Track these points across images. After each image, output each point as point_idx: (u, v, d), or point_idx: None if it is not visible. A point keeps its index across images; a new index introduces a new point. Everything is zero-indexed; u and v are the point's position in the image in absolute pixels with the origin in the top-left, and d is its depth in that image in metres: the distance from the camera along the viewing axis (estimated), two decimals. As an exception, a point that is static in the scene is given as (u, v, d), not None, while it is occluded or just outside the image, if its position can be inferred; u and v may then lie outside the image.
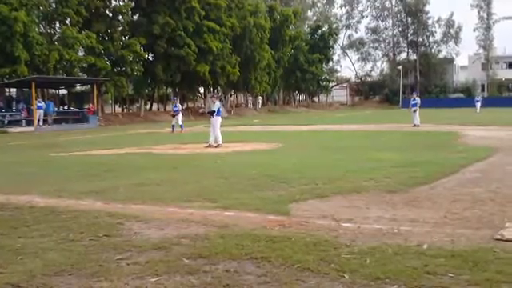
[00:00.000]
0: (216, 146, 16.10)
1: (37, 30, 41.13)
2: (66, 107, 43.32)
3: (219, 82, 54.80)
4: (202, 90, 59.04)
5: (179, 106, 29.60)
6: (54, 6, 43.39)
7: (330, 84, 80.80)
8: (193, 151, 15.33)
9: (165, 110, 55.04)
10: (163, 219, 6.04)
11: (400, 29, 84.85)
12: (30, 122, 36.04)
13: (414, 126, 25.45)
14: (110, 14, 47.95)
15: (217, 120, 16.58)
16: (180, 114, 27.79)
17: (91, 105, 41.55)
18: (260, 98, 66.28)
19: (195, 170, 10.82)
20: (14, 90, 43.74)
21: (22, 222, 6.00)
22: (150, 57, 52.08)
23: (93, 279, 4.06)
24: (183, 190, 8.09)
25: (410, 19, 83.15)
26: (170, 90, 57.29)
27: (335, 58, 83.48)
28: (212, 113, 16.82)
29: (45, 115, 37.61)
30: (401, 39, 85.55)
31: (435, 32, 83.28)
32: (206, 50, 50.44)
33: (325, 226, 5.59)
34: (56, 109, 40.77)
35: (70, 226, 5.74)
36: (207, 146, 16.03)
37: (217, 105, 17.17)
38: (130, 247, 4.92)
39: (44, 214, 6.42)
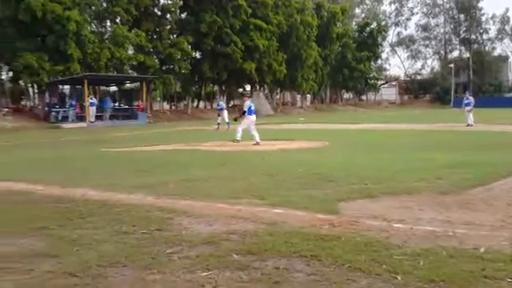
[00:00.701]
0: (233, 141, 16.41)
1: (89, 28, 42.06)
2: (116, 104, 44.13)
3: (265, 80, 54.86)
4: (248, 87, 59.17)
5: (223, 105, 29.97)
6: (104, 5, 44.32)
7: (379, 82, 79.63)
8: (239, 148, 15.40)
9: (211, 107, 55.45)
10: (212, 215, 6.11)
11: (452, 26, 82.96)
12: (82, 118, 36.95)
13: (468, 125, 24.87)
14: (159, 13, 48.68)
15: (248, 118, 16.86)
16: (225, 112, 28.04)
17: (140, 102, 42.27)
18: (308, 95, 66.05)
19: (242, 166, 10.86)
20: (67, 87, 44.84)
21: (77, 214, 6.19)
22: (198, 55, 52.56)
23: (146, 271, 4.15)
24: (231, 186, 8.15)
25: (462, 16, 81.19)
26: (216, 87, 57.66)
27: (384, 55, 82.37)
28: (243, 112, 17.17)
29: (101, 111, 38.50)
30: (453, 36, 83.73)
31: (489, 29, 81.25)
32: (252, 47, 50.57)
33: (375, 226, 5.51)
34: (112, 105, 41.66)
35: (123, 219, 5.88)
36: (255, 144, 16.11)
37: (247, 104, 17.41)
38: (180, 241, 4.99)
39: (98, 207, 6.60)
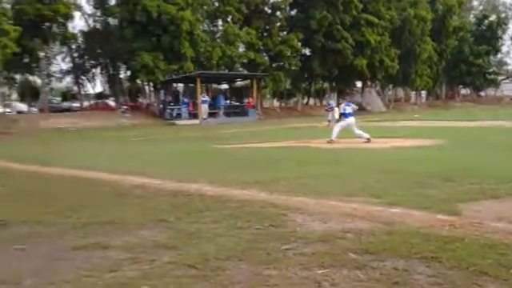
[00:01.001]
0: (329, 141, 16.11)
1: (201, 28, 43.33)
2: (227, 101, 45.19)
3: (377, 76, 53.85)
4: (359, 84, 58.33)
5: (333, 104, 29.78)
6: (216, 4, 45.43)
7: (499, 77, 75.55)
8: (349, 145, 15.17)
9: (321, 104, 55.26)
10: (326, 212, 6.03)
11: None
12: (195, 115, 38.15)
13: None
14: (269, 11, 49.19)
15: (344, 121, 16.68)
16: (336, 110, 27.79)
17: (251, 99, 42.95)
18: (423, 92, 64.04)
19: (354, 164, 10.68)
20: (180, 85, 46.51)
21: (194, 208, 6.36)
22: (307, 51, 52.54)
23: (262, 266, 4.17)
24: (344, 184, 8.02)
25: None
26: (326, 84, 57.37)
27: (504, 49, 77.83)
28: (340, 115, 17.26)
29: (215, 108, 39.62)
30: None
31: None
32: (363, 43, 49.86)
33: (501, 228, 5.16)
34: (225, 102, 42.74)
35: (238, 214, 5.96)
36: (366, 141, 15.82)
37: (341, 107, 17.42)
38: (295, 238, 4.97)
39: (213, 202, 6.74)
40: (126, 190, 7.90)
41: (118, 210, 6.47)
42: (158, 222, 5.74)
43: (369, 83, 57.72)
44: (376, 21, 50.45)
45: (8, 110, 42.42)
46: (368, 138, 15.96)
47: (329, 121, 26.89)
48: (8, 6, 36.98)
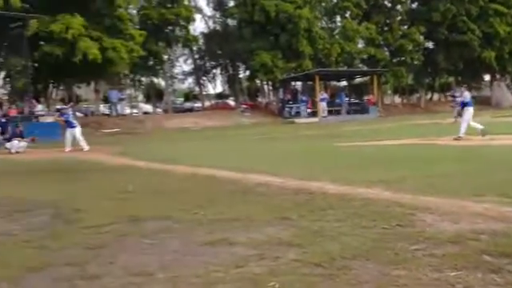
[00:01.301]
0: (456, 139, 15.25)
1: (319, 25, 43.20)
2: (347, 99, 44.72)
3: (507, 69, 50.77)
4: (487, 77, 55.36)
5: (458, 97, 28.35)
6: (334, 0, 45.09)
7: None
8: (479, 143, 14.44)
9: (446, 99, 53.05)
10: (456, 212, 5.75)
11: None
12: (313, 113, 38.11)
13: None
14: (389, 5, 48.03)
15: (465, 111, 16.10)
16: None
17: (371, 96, 42.17)
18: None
19: (484, 162, 10.14)
20: (299, 83, 46.69)
21: (317, 207, 6.32)
22: (430, 45, 50.66)
23: (390, 266, 4.03)
24: (473, 183, 7.61)
25: None
26: (451, 78, 55.00)
27: None
28: (464, 104, 16.60)
29: (333, 106, 39.42)
30: None
31: None
32: (491, 34, 47.24)
33: None
34: (346, 99, 42.35)
35: (362, 213, 5.83)
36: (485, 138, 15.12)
37: (466, 95, 16.90)
38: (423, 239, 4.76)
39: (336, 200, 6.66)
40: (249, 188, 8.03)
41: (243, 207, 6.58)
42: (281, 219, 5.76)
43: (498, 77, 54.51)
44: (505, 10, 47.56)
45: (135, 111, 44.83)
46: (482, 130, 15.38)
47: (455, 117, 25.71)
48: (134, 12, 39.08)
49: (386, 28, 47.27)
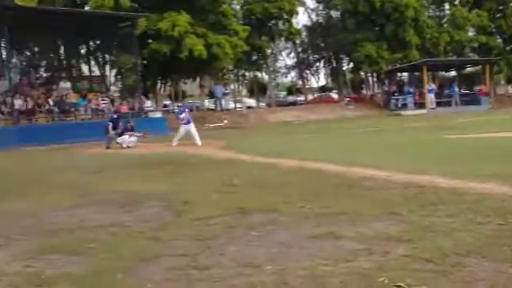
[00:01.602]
0: None
1: (426, 13, 41.81)
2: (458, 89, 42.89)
3: None
4: None
5: None
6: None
7: None
8: None
9: None
10: None
11: None
12: (421, 105, 36.96)
13: None
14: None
15: None
16: None
17: (483, 86, 40.21)
18: None
19: None
20: (405, 74, 45.51)
21: (427, 201, 6.11)
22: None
23: (506, 264, 3.83)
24: None
25: None
26: None
27: None
28: None
29: (446, 97, 38.10)
30: None
31: None
32: None
33: None
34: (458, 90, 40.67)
35: (476, 209, 5.57)
36: None
37: None
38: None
39: (447, 195, 6.41)
40: (354, 182, 7.92)
41: (349, 201, 6.50)
42: (389, 214, 5.63)
43: None
44: None
45: (238, 105, 45.61)
46: None
47: None
48: (237, 7, 39.70)
49: (498, 15, 44.77)
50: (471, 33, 44.30)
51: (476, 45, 43.77)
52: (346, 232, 4.98)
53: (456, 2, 43.62)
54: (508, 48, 44.54)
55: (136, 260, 4.49)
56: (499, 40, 44.70)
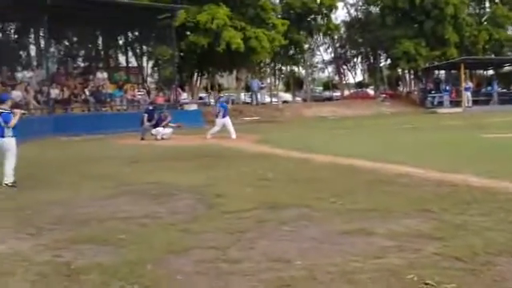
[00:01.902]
0: None
1: (466, 11, 41.03)
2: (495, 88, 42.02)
3: None
4: None
5: None
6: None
7: None
8: None
9: None
10: None
11: None
12: (457, 103, 36.38)
13: None
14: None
15: None
16: None
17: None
18: None
19: None
20: (442, 72, 44.81)
21: (460, 200, 6.11)
22: None
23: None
24: None
25: None
26: None
27: None
28: None
29: (485, 95, 37.45)
30: None
31: None
32: None
33: None
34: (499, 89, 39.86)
35: (509, 208, 5.57)
36: None
37: None
38: None
39: (481, 194, 6.40)
40: (387, 178, 7.93)
41: (381, 197, 6.54)
42: (421, 211, 5.66)
43: None
44: None
45: (274, 99, 45.54)
46: None
47: None
48: (277, 1, 39.58)
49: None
50: (511, 31, 43.36)
51: (515, 43, 42.85)
52: (377, 229, 5.03)
53: (497, 0, 42.72)
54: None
55: (166, 252, 4.58)
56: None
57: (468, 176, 7.67)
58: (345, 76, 54.56)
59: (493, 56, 41.81)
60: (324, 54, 53.41)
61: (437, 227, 4.98)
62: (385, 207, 5.88)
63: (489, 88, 39.71)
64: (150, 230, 5.47)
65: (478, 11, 44.40)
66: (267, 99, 43.02)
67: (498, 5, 41.52)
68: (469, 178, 7.50)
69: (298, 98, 49.23)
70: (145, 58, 35.89)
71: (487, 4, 44.46)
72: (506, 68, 47.50)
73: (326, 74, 58.56)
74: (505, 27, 41.27)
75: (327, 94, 54.82)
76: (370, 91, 52.39)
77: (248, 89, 43.21)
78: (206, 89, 44.46)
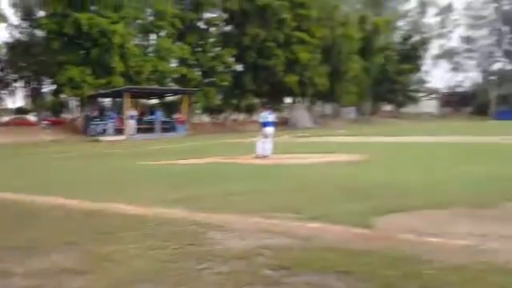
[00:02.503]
0: (258, 157, 16.23)
1: (132, 42, 42.59)
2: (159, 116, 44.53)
3: (307, 93, 54.59)
4: (289, 100, 59.18)
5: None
6: (151, 18, 44.85)
7: (419, 95, 78.59)
8: (278, 162, 15.18)
9: (251, 119, 55.53)
10: (246, 229, 5.98)
11: (496, 38, 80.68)
12: (121, 131, 37.28)
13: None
14: (203, 26, 49.02)
15: (265, 132, 16.66)
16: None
17: (180, 115, 42.45)
18: (351, 108, 65.73)
19: (280, 180, 10.70)
20: (108, 100, 45.56)
21: (109, 229, 6.13)
22: (240, 67, 52.65)
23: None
24: (267, 200, 7.99)
25: (506, 28, 78.92)
26: (256, 100, 57.74)
27: (425, 67, 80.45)
28: (262, 125, 16.96)
29: (148, 123, 38.95)
30: (496, 48, 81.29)
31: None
32: (294, 60, 50.47)
33: (410, 240, 5.39)
34: (162, 117, 41.85)
35: (157, 234, 5.80)
36: (261, 157, 16.06)
37: (263, 116, 17.32)
38: (212, 257, 4.89)
39: (132, 221, 6.53)
40: (39, 212, 7.54)
41: (27, 233, 6.13)
42: (68, 244, 5.49)
43: (298, 99, 58.58)
44: (308, 38, 50.92)
45: None
46: (265, 155, 16.14)
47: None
48: None
49: (199, 49, 47.99)
50: (174, 64, 46.53)
51: (177, 75, 46.08)
52: (16, 268, 4.68)
53: (162, 34, 45.34)
54: (206, 80, 47.96)
55: None
56: (198, 72, 47.91)
57: (122, 204, 7.79)
58: (3, 100, 51.33)
59: (156, 86, 44.22)
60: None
61: (81, 260, 4.88)
62: (28, 244, 5.53)
63: (152, 116, 41.78)
64: None
65: (144, 42, 46.52)
66: None
67: (163, 38, 44.20)
68: (122, 206, 7.62)
69: None
70: None
71: (153, 36, 46.88)
72: (169, 98, 50.86)
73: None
74: (168, 59, 44.12)
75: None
76: (31, 117, 50.22)
77: None
78: None
